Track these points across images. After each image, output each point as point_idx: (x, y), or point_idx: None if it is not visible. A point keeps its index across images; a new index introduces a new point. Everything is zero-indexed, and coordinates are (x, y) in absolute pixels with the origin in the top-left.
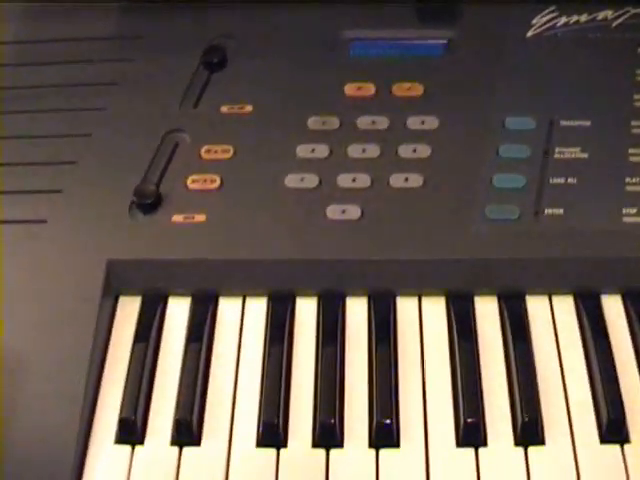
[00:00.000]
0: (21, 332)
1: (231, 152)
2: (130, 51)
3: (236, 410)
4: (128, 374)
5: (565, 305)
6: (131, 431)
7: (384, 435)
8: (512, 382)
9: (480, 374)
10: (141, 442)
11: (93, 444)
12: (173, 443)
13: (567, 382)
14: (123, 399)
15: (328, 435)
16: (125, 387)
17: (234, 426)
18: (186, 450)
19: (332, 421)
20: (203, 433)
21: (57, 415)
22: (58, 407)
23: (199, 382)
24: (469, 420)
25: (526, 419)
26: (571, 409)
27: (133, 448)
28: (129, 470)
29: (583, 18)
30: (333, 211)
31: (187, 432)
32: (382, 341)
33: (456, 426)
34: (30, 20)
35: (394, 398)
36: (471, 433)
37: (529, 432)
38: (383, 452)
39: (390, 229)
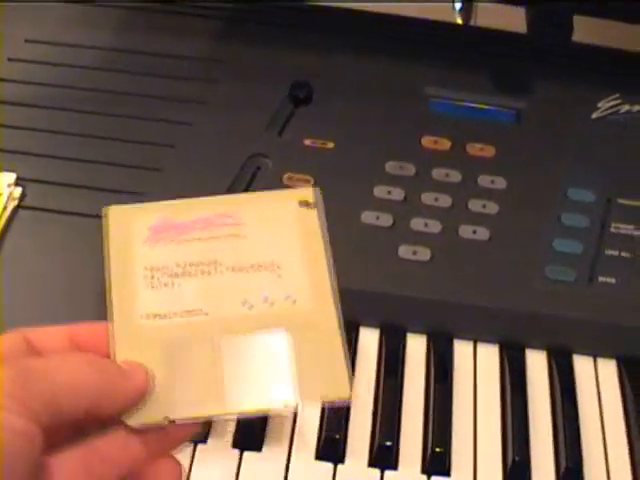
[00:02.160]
0: None
1: (311, 182)
2: (221, 73)
3: (297, 422)
4: None
5: (608, 367)
6: None
7: (437, 462)
8: (557, 431)
9: (527, 418)
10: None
11: None
12: (235, 446)
13: (607, 438)
14: None
15: (384, 456)
16: None
17: (295, 437)
18: (246, 454)
19: (389, 444)
20: (265, 441)
21: None
22: None
23: None
24: (517, 458)
25: (570, 465)
26: (609, 460)
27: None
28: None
29: None
30: (405, 251)
31: (249, 437)
32: (439, 378)
33: (504, 463)
34: (130, 30)
35: (448, 430)
36: (517, 471)
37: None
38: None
39: (455, 274)
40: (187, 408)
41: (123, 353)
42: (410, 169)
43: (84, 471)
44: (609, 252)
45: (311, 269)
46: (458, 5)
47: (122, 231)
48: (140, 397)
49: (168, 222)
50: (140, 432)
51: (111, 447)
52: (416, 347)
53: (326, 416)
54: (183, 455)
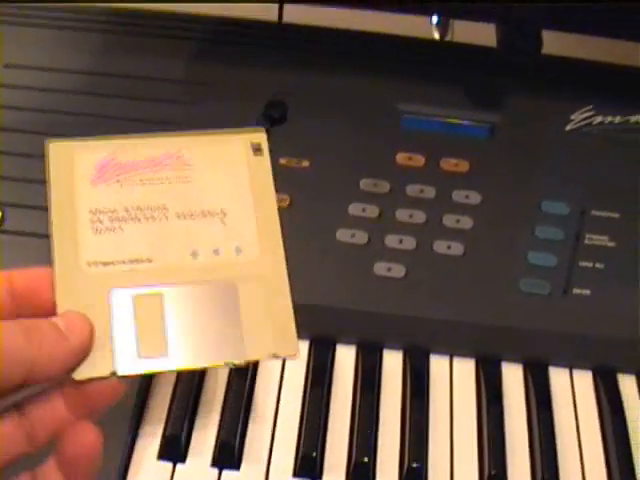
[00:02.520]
0: None
1: (287, 202)
2: (198, 94)
3: (276, 439)
4: (174, 391)
5: (584, 379)
6: (175, 448)
7: (414, 477)
8: (533, 443)
9: (504, 432)
10: (183, 460)
11: (136, 458)
12: (214, 464)
13: (583, 450)
14: (168, 415)
15: (362, 472)
16: (171, 404)
17: (272, 455)
18: (225, 473)
19: (366, 460)
20: (243, 458)
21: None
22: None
23: (242, 409)
24: (493, 472)
25: (546, 477)
26: (585, 472)
27: (175, 465)
28: None
29: (617, 119)
30: (380, 267)
31: (229, 455)
32: (415, 392)
33: (480, 477)
34: (107, 53)
35: (425, 445)
36: None
37: None
38: None
39: (430, 290)
40: (133, 362)
41: (65, 303)
42: (384, 186)
43: (21, 435)
44: (583, 264)
45: (260, 217)
46: (435, 19)
47: (65, 168)
48: (81, 356)
49: (114, 161)
50: (66, 393)
51: (41, 411)
52: (392, 363)
53: (304, 434)
54: (162, 477)
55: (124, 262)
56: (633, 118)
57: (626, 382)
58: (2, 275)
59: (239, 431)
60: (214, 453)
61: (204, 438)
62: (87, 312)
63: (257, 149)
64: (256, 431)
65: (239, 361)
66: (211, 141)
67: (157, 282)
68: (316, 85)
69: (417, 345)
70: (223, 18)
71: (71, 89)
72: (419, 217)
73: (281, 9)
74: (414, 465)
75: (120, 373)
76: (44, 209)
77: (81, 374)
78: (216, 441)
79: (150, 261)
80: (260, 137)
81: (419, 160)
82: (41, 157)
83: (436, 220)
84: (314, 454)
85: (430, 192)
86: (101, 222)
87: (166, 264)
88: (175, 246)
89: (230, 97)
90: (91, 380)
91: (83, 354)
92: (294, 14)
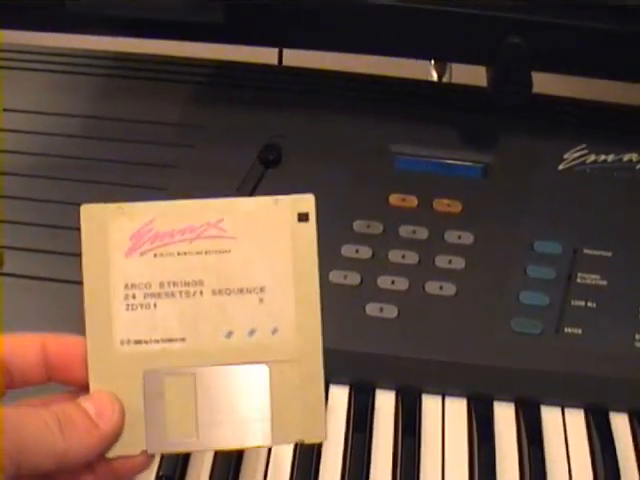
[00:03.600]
0: None
1: None
2: (194, 137)
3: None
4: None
5: (576, 417)
6: None
7: None
8: None
9: (495, 471)
10: None
11: None
12: None
13: None
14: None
15: None
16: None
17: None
18: None
19: None
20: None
21: None
22: None
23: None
24: None
25: None
26: None
27: None
28: None
29: (610, 158)
30: (372, 308)
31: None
32: (407, 433)
33: None
34: (104, 97)
35: None
36: None
37: None
38: None
39: (422, 331)
40: (163, 442)
41: (98, 381)
42: (377, 227)
43: None
44: (575, 302)
45: (300, 295)
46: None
47: (98, 236)
48: (112, 441)
49: (150, 230)
50: (95, 467)
51: None
52: (385, 403)
53: (296, 469)
54: None
55: (157, 341)
56: (626, 156)
57: (618, 420)
58: (36, 338)
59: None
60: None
61: None
62: (119, 391)
63: (304, 216)
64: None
65: (266, 444)
66: (253, 208)
67: (189, 363)
68: (310, 127)
69: (409, 385)
70: (217, 61)
71: (68, 133)
72: (412, 258)
73: (281, 52)
74: None
75: (150, 452)
76: (43, 252)
77: (112, 453)
78: None
79: (183, 340)
80: (308, 203)
81: (412, 201)
82: (40, 200)
83: (428, 261)
84: None
85: (423, 233)
86: (135, 298)
87: (199, 344)
88: (209, 326)
89: (226, 140)
90: (121, 457)
91: (114, 438)
92: (293, 57)
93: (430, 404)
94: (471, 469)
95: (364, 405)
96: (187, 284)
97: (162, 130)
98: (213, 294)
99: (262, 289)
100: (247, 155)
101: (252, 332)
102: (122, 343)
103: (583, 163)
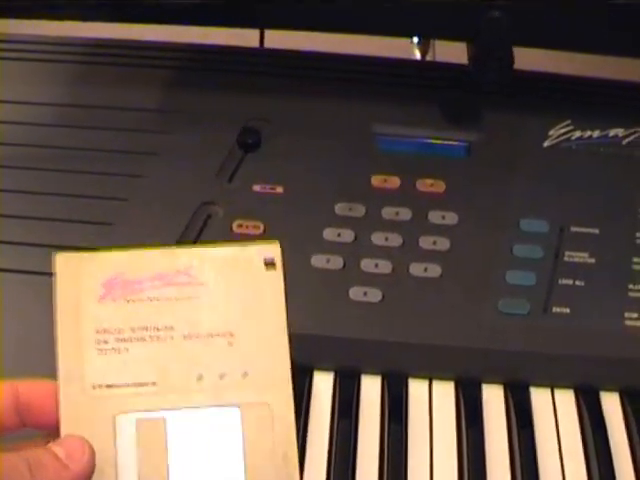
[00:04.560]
0: None
1: (261, 228)
2: (170, 124)
3: None
4: None
5: (566, 398)
6: None
7: None
8: (514, 464)
9: (484, 455)
10: None
11: None
12: None
13: (565, 470)
14: None
15: None
16: None
17: None
18: None
19: None
20: None
21: None
22: None
23: None
24: None
25: None
26: None
27: None
28: None
29: (596, 134)
30: (355, 293)
31: None
32: (394, 418)
33: None
34: (79, 84)
35: (403, 472)
36: None
37: None
38: None
39: (407, 314)
40: None
41: (69, 425)
42: (360, 210)
43: None
44: (563, 281)
45: (268, 339)
46: (415, 39)
47: (71, 282)
48: None
49: (122, 277)
50: None
51: None
52: (371, 388)
53: None
54: None
55: (128, 385)
56: (612, 131)
57: (608, 400)
58: (7, 386)
59: None
60: None
61: None
62: (90, 435)
63: (270, 263)
64: None
65: None
66: (221, 255)
67: (161, 406)
68: (289, 109)
69: (395, 370)
70: (196, 45)
71: (46, 122)
72: (395, 240)
73: (262, 34)
74: None
75: None
76: (15, 243)
77: None
78: None
79: (154, 384)
80: (273, 250)
81: (395, 182)
82: (15, 191)
83: (412, 242)
84: None
85: (406, 214)
86: (106, 342)
87: (170, 388)
88: (180, 369)
89: (205, 125)
90: None
91: None
92: (275, 38)
93: (417, 389)
94: (460, 453)
95: (349, 391)
96: (158, 329)
97: (141, 116)
98: (184, 339)
99: (231, 334)
100: (227, 140)
101: (222, 376)
102: (94, 387)
103: (568, 139)
